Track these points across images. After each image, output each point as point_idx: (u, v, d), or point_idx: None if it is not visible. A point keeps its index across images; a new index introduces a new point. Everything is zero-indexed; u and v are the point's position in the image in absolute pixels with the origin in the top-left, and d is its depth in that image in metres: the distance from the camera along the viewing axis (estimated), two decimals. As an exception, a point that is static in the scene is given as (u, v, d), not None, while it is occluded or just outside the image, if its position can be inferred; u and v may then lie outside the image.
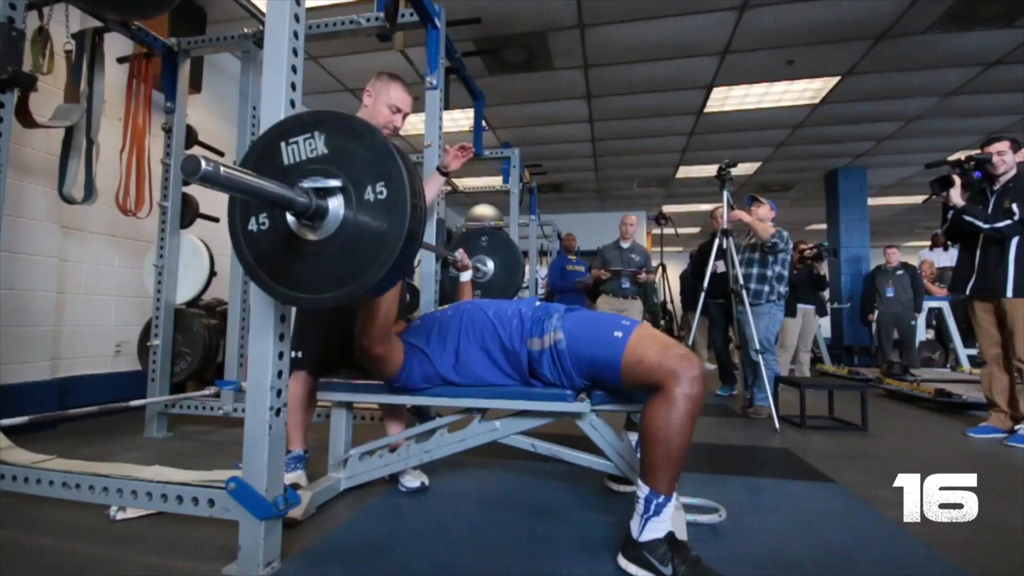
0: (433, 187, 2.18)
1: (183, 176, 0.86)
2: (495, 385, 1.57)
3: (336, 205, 1.10)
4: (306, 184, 1.09)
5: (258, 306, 1.24)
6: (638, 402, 1.39)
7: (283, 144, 1.15)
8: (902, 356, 5.79)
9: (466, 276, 2.18)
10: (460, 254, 2.23)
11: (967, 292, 2.95)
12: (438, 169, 2.17)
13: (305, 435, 1.91)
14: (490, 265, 2.71)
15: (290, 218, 1.12)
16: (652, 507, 1.23)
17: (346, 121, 1.14)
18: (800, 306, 5.00)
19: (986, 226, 2.77)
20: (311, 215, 1.09)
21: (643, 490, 1.25)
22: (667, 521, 1.23)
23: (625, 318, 1.46)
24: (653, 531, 1.22)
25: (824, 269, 5.49)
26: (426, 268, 2.39)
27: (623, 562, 1.25)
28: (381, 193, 1.08)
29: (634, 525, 1.25)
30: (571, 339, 1.44)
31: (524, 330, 1.52)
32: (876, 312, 5.94)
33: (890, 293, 5.80)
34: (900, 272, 5.80)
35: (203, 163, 0.85)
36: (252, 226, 1.17)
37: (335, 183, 1.09)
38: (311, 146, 1.13)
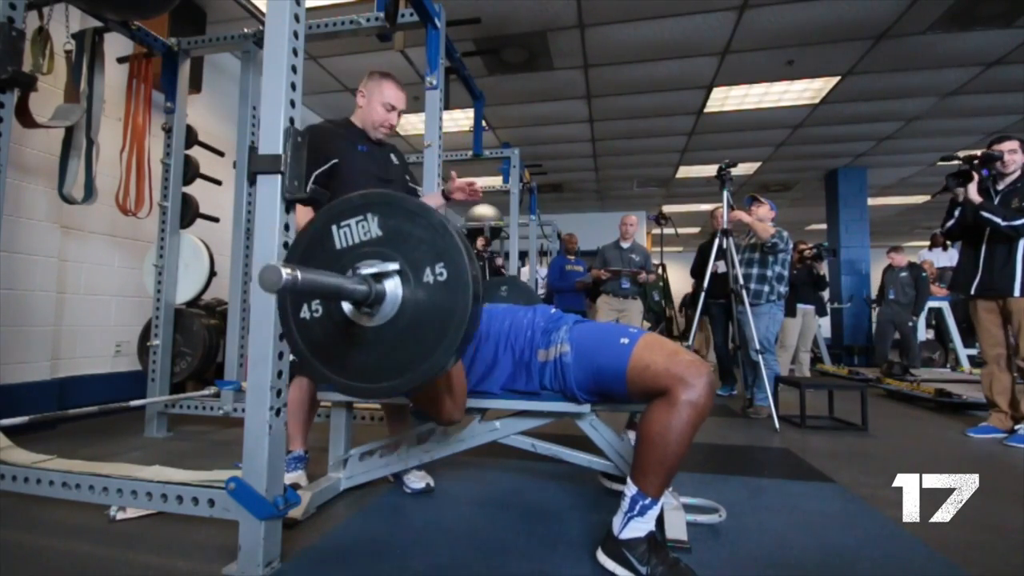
0: (432, 205, 2.13)
1: (263, 289, 0.83)
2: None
3: (393, 287, 1.05)
4: (364, 270, 1.05)
5: (258, 306, 1.24)
6: (638, 403, 1.38)
7: (335, 228, 1.11)
8: (902, 356, 5.80)
9: None
10: None
11: (972, 292, 2.93)
12: (443, 193, 2.11)
13: (306, 436, 1.91)
14: None
15: (347, 306, 1.08)
16: (637, 507, 1.23)
17: (399, 202, 1.10)
18: (800, 306, 5.01)
19: (1004, 223, 2.74)
20: (371, 302, 1.04)
21: (631, 489, 1.25)
22: (650, 522, 1.23)
23: (632, 327, 1.44)
24: (634, 530, 1.22)
25: (824, 269, 5.51)
26: None
27: (602, 557, 1.25)
28: (441, 275, 1.04)
29: (616, 521, 1.25)
30: (577, 352, 1.40)
31: (535, 341, 1.49)
32: (877, 310, 5.99)
33: (891, 295, 5.83)
34: (903, 274, 5.84)
35: (284, 274, 0.81)
36: (304, 314, 1.12)
37: (393, 267, 1.05)
38: (364, 229, 1.09)
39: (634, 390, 1.31)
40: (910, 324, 5.82)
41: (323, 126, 1.92)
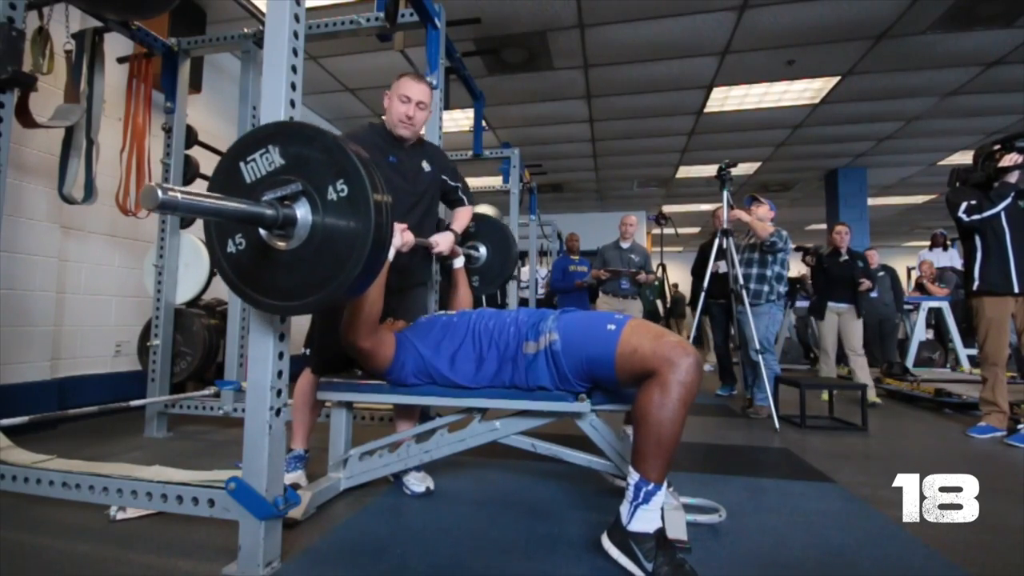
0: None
1: (144, 208, 0.87)
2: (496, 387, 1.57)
3: (303, 212, 1.11)
4: (268, 196, 1.10)
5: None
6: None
7: (242, 164, 1.16)
8: (882, 354, 5.85)
9: (458, 263, 2.16)
10: None
11: (1016, 290, 2.84)
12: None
13: (308, 435, 1.91)
14: (483, 250, 2.70)
15: (262, 231, 1.14)
16: (642, 494, 1.24)
17: (296, 129, 1.15)
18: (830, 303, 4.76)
19: None
20: (281, 224, 1.10)
21: (633, 477, 1.26)
22: (656, 511, 1.24)
23: (619, 313, 1.47)
24: (642, 522, 1.23)
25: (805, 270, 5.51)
26: None
27: (606, 543, 1.26)
28: (342, 191, 1.09)
29: (624, 511, 1.26)
30: (566, 340, 1.45)
31: (520, 335, 1.53)
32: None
33: (874, 294, 5.84)
34: (881, 274, 5.86)
35: (159, 192, 0.84)
36: (230, 248, 1.19)
37: (295, 188, 1.10)
38: (268, 160, 1.14)
39: (623, 375, 1.35)
40: (895, 322, 5.88)
41: (355, 134, 1.89)
